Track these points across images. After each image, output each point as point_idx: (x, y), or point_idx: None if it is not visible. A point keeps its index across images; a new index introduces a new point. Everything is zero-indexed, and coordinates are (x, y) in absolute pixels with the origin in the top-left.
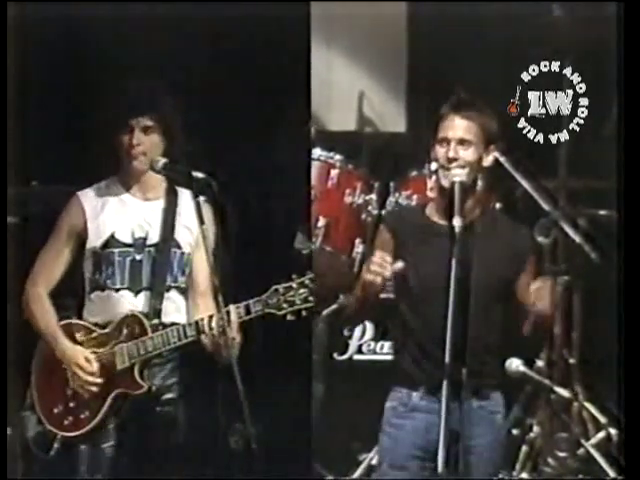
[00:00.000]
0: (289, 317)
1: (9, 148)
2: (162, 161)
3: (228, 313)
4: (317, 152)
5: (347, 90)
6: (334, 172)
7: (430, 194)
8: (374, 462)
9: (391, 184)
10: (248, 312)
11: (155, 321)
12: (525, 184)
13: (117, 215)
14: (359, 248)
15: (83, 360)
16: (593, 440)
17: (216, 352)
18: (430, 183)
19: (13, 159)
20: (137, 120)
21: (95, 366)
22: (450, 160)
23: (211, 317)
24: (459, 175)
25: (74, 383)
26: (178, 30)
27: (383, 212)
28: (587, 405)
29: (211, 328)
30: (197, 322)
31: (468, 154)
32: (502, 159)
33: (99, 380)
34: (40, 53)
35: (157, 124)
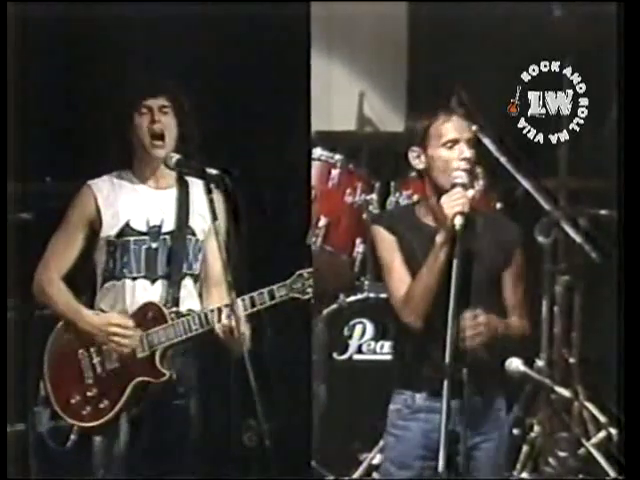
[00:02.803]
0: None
1: (20, 146)
2: (175, 157)
3: (252, 299)
4: (318, 152)
5: (347, 90)
6: (335, 172)
7: (420, 196)
8: (375, 462)
9: (392, 184)
10: (272, 297)
11: (173, 309)
12: (525, 184)
13: (131, 204)
14: (360, 248)
15: (118, 319)
16: (594, 440)
17: (230, 341)
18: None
19: (24, 156)
20: (154, 100)
21: (131, 321)
22: (465, 160)
23: (234, 303)
24: (461, 177)
25: (111, 347)
26: (178, 30)
27: (373, 215)
28: (587, 405)
29: (234, 314)
30: (219, 308)
31: (473, 152)
32: (501, 158)
33: (138, 333)
34: (40, 53)
35: (171, 104)
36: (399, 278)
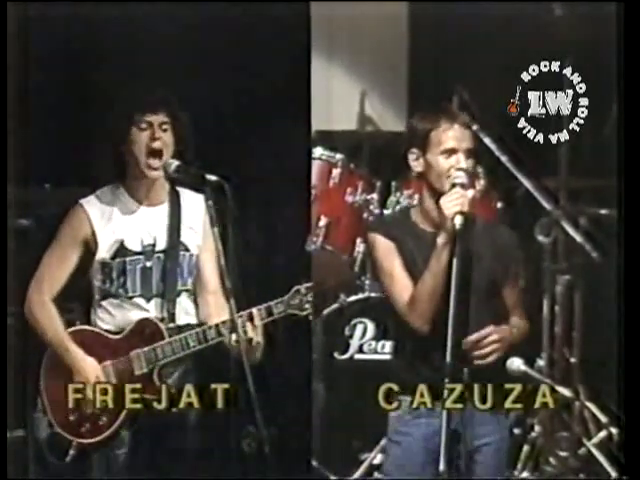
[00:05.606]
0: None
1: (20, 152)
2: (175, 164)
3: (250, 315)
4: (318, 151)
5: (348, 90)
6: (335, 171)
7: (417, 198)
8: (376, 462)
9: (392, 183)
10: (270, 314)
11: (170, 325)
12: (526, 183)
13: (125, 223)
14: (360, 248)
15: (93, 376)
16: (594, 439)
17: (238, 355)
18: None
19: (24, 162)
20: (155, 116)
21: (110, 381)
22: (459, 171)
23: (232, 320)
24: (460, 177)
25: (82, 394)
26: (178, 30)
27: (370, 222)
28: (588, 404)
29: (233, 331)
30: (217, 325)
31: (471, 162)
32: (502, 158)
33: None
34: (40, 54)
35: (171, 120)
36: (401, 283)
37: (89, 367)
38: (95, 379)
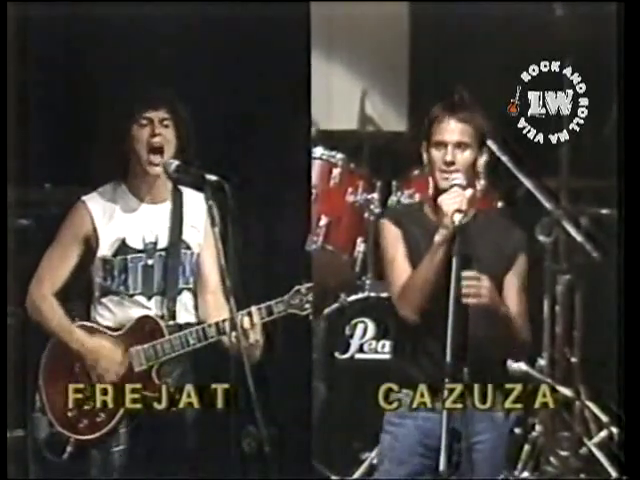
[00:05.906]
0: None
1: (19, 152)
2: (175, 163)
3: (250, 314)
4: (319, 151)
5: (348, 89)
6: (336, 171)
7: (417, 199)
8: (376, 461)
9: (393, 183)
10: (270, 313)
11: (170, 322)
12: (527, 183)
13: (127, 221)
14: (360, 247)
15: (108, 350)
16: (595, 439)
17: (237, 354)
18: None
19: (24, 162)
20: (155, 112)
21: (118, 353)
22: (448, 164)
23: (232, 318)
24: (458, 178)
25: (95, 373)
26: (178, 30)
27: (383, 209)
28: (589, 404)
29: (233, 329)
30: (217, 323)
31: (465, 157)
32: (502, 158)
33: (123, 368)
34: (40, 54)
35: (171, 116)
36: (400, 271)
37: (99, 344)
38: (108, 352)
